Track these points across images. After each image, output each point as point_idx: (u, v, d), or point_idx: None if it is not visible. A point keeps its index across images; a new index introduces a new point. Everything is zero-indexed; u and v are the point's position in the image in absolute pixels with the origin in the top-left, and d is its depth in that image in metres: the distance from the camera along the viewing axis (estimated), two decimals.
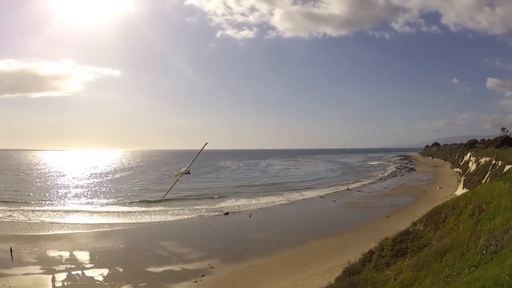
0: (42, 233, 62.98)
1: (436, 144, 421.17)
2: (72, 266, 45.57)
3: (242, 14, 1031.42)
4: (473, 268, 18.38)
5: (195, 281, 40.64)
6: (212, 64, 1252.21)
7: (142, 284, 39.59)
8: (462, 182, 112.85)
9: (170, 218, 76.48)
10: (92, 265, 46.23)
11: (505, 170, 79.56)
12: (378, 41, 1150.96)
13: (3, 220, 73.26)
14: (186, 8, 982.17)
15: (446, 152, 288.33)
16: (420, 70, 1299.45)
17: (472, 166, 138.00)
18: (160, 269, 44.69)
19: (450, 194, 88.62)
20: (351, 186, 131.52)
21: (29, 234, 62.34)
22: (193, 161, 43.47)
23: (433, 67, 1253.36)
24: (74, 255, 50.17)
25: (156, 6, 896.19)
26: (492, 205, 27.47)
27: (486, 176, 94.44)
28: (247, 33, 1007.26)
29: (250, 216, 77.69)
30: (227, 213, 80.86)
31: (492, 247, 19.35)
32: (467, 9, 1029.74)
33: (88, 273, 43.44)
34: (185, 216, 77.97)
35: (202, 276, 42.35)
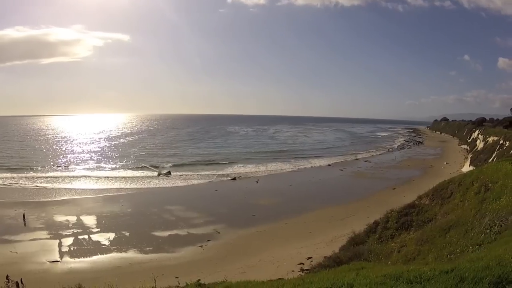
0: (49, 199, 63.04)
1: (445, 119, 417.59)
2: (79, 230, 45.99)
3: None
4: (476, 246, 18.54)
5: (201, 246, 41.04)
6: (222, 31, 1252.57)
7: (148, 248, 40.00)
8: (469, 159, 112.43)
9: (177, 183, 76.60)
10: (98, 229, 46.69)
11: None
12: (391, 12, 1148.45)
13: (10, 187, 73.42)
14: None
15: (455, 128, 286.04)
16: (431, 44, 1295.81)
17: (480, 144, 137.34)
18: (166, 233, 45.17)
19: (457, 171, 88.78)
20: (359, 156, 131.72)
21: (36, 200, 62.40)
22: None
23: (445, 42, 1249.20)
24: (81, 219, 50.59)
25: None
26: (498, 185, 27.37)
27: (493, 155, 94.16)
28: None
29: (257, 182, 78.15)
30: (234, 179, 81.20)
31: (496, 227, 19.52)
32: None
33: (95, 237, 43.84)
34: (193, 181, 78.23)
35: (208, 241, 42.72)
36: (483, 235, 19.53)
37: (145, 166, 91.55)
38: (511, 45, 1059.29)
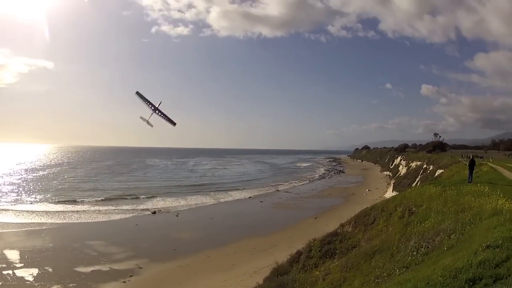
0: None
1: (366, 147, 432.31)
2: (2, 265, 44.01)
3: (179, 11, 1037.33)
4: (403, 269, 18.51)
5: (124, 282, 40.04)
6: (146, 60, 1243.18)
7: (71, 285, 38.45)
8: (392, 185, 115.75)
9: (98, 217, 74.75)
10: (22, 264, 44.70)
11: (436, 174, 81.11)
12: (314, 43, 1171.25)
13: None
14: (124, 1, 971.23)
15: (376, 155, 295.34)
16: (353, 74, 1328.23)
17: (403, 170, 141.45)
18: (89, 269, 43.71)
19: (380, 197, 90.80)
20: (279, 187, 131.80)
21: None
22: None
23: (368, 72, 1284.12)
24: (4, 254, 48.48)
25: None
26: (422, 208, 27.93)
27: (417, 180, 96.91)
28: (182, 30, 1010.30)
29: (177, 216, 77.10)
30: (154, 212, 79.96)
31: (423, 248, 19.55)
32: (407, 16, 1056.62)
33: (19, 273, 41.93)
34: (113, 215, 76.44)
35: (130, 276, 41.79)
36: (410, 257, 19.55)
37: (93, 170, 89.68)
38: (434, 72, 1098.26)
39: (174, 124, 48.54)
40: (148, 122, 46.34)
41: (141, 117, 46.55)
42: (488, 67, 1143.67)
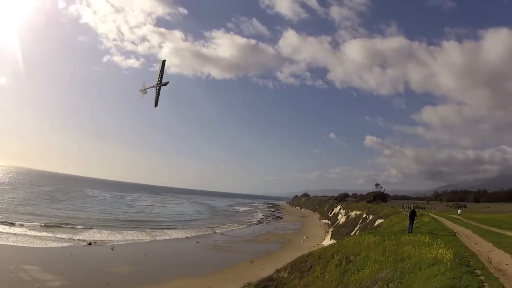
0: None
1: (305, 195, 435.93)
2: None
3: (133, 42, 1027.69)
4: None
5: None
6: (95, 88, 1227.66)
7: None
8: (330, 233, 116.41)
9: (34, 242, 72.63)
10: None
11: (376, 224, 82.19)
12: (261, 89, 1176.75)
13: None
14: (81, 26, 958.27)
15: (316, 203, 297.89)
16: (298, 121, 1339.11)
17: (342, 219, 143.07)
18: None
19: (317, 244, 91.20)
20: (216, 229, 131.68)
21: None
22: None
23: (312, 120, 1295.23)
24: None
25: (54, 17, 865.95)
26: (360, 257, 28.37)
27: (356, 229, 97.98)
28: (133, 63, 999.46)
29: (113, 249, 75.79)
30: (90, 244, 78.41)
31: None
32: (357, 68, 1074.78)
33: None
34: (49, 242, 74.33)
35: None
36: None
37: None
38: (379, 124, 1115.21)
39: (155, 105, 50.22)
40: (144, 91, 47.14)
41: (143, 84, 47.32)
42: (434, 120, 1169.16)
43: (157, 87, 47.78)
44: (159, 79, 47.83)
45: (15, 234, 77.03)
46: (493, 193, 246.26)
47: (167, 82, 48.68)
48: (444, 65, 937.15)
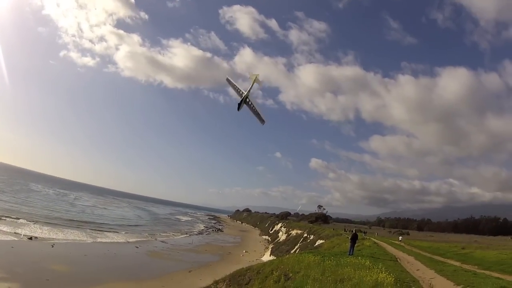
0: None
1: (247, 210, 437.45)
2: None
3: (90, 41, 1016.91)
4: None
5: None
6: (48, 82, 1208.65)
7: None
8: (270, 249, 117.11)
9: None
10: None
11: (316, 244, 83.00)
12: (211, 102, 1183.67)
13: None
14: (43, 17, 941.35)
15: (257, 219, 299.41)
16: (244, 138, 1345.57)
17: (282, 236, 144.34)
18: None
19: (256, 259, 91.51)
20: (156, 236, 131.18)
21: None
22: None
23: (259, 138, 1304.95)
24: None
25: (18, 4, 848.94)
26: (300, 275, 28.60)
27: (296, 247, 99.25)
28: (88, 61, 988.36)
29: (53, 247, 75.02)
30: (30, 238, 77.63)
31: None
32: (309, 92, 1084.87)
33: None
34: None
35: None
36: None
37: None
38: (327, 148, 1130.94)
39: (262, 122, 48.53)
40: (240, 106, 45.94)
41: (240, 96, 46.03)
42: (382, 150, 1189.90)
43: (248, 103, 46.23)
44: (239, 92, 46.39)
45: None
46: (437, 223, 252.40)
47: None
48: (397, 97, 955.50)
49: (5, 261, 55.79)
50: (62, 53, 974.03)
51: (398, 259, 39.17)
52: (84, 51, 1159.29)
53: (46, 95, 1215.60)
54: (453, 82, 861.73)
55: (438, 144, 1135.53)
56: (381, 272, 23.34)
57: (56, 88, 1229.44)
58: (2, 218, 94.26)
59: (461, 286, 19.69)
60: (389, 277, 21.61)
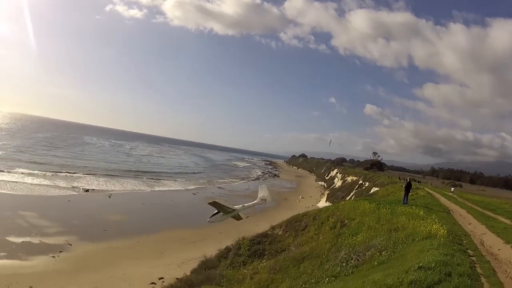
0: None
1: (303, 156, 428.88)
2: None
3: None
4: (332, 278, 18.84)
5: (53, 256, 39.78)
6: (96, 37, 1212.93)
7: (2, 254, 38.24)
8: (326, 195, 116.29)
9: (31, 189, 72.51)
10: None
11: (371, 191, 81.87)
12: (264, 47, 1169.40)
13: None
14: None
15: (313, 164, 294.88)
16: (299, 83, 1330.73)
17: (338, 182, 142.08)
18: (20, 239, 43.06)
19: (312, 205, 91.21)
20: (213, 182, 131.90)
21: None
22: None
23: (313, 83, 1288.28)
24: None
25: None
26: (355, 222, 28.40)
27: (351, 194, 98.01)
28: (135, 13, 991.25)
29: (110, 197, 76.34)
30: (87, 191, 78.83)
31: (353, 261, 19.90)
32: (361, 37, 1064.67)
33: None
34: (47, 189, 74.52)
35: (60, 252, 41.49)
36: (339, 267, 19.91)
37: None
38: (381, 94, 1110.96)
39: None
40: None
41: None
42: (435, 98, 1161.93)
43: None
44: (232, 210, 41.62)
45: (13, 181, 76.73)
46: (489, 178, 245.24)
47: None
48: (449, 45, 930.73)
49: (62, 215, 56.83)
50: (108, 8, 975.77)
51: (451, 211, 38.17)
52: (130, 4, 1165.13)
53: (94, 49, 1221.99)
54: (503, 33, 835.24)
55: (490, 95, 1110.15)
56: (435, 223, 22.40)
57: (107, 42, 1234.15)
58: (59, 172, 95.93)
59: (511, 245, 19.65)
60: (442, 229, 20.64)
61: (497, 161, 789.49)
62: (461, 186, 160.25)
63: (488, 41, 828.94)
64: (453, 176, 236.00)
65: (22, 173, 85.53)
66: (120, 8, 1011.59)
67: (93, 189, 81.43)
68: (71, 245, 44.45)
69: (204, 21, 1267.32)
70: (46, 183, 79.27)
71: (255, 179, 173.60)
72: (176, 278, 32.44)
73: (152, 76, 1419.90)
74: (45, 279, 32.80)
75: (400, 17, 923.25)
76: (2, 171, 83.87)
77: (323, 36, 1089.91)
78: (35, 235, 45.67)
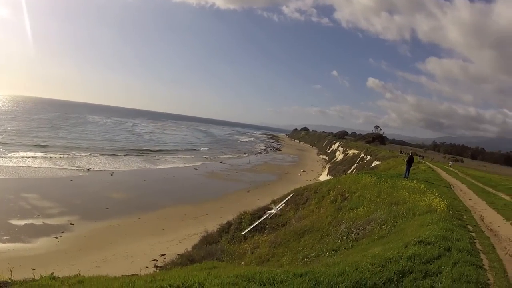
0: None
1: (305, 129, 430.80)
2: None
3: None
4: (332, 251, 18.93)
5: (55, 237, 39.90)
6: (93, 14, 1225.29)
7: (5, 237, 38.35)
8: (327, 169, 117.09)
9: (33, 170, 72.71)
10: None
11: (373, 165, 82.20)
12: (266, 21, 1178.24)
13: None
14: None
15: (315, 138, 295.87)
16: (300, 56, 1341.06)
17: (339, 156, 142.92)
18: (22, 222, 43.21)
19: (314, 179, 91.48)
20: (215, 157, 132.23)
21: None
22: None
23: (315, 56, 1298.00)
24: None
25: None
26: (356, 195, 28.65)
27: (353, 168, 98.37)
28: None
29: (112, 175, 76.70)
30: (89, 169, 79.15)
31: (353, 234, 20.07)
32: (364, 10, 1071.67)
33: None
34: (48, 169, 74.88)
35: (62, 232, 41.64)
36: (339, 241, 20.05)
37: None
38: (383, 67, 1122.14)
39: None
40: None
41: None
42: (438, 72, 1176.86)
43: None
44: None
45: (14, 163, 77.40)
46: (490, 153, 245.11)
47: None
48: (453, 20, 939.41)
49: (65, 195, 56.71)
50: None
51: (451, 186, 38.08)
52: None
53: (96, 28, 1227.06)
54: (509, 9, 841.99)
55: (493, 71, 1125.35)
56: (435, 198, 22.65)
57: (104, 19, 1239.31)
58: (61, 152, 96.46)
59: (510, 222, 19.76)
60: (442, 204, 20.74)
61: (499, 137, 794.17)
62: (462, 161, 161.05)
63: (492, 17, 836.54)
64: (455, 151, 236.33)
65: (25, 156, 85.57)
66: None
67: (95, 168, 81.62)
68: (73, 225, 44.66)
69: None
70: (48, 165, 79.08)
71: (257, 153, 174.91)
72: (177, 254, 32.60)
73: (151, 52, 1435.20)
74: (48, 261, 32.88)
75: None
76: (4, 153, 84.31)
77: (326, 9, 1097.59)
78: (37, 217, 45.80)
